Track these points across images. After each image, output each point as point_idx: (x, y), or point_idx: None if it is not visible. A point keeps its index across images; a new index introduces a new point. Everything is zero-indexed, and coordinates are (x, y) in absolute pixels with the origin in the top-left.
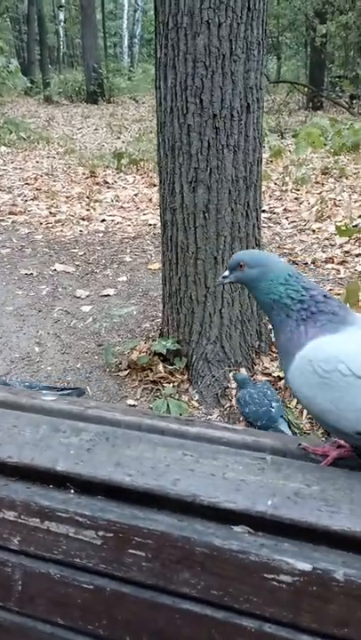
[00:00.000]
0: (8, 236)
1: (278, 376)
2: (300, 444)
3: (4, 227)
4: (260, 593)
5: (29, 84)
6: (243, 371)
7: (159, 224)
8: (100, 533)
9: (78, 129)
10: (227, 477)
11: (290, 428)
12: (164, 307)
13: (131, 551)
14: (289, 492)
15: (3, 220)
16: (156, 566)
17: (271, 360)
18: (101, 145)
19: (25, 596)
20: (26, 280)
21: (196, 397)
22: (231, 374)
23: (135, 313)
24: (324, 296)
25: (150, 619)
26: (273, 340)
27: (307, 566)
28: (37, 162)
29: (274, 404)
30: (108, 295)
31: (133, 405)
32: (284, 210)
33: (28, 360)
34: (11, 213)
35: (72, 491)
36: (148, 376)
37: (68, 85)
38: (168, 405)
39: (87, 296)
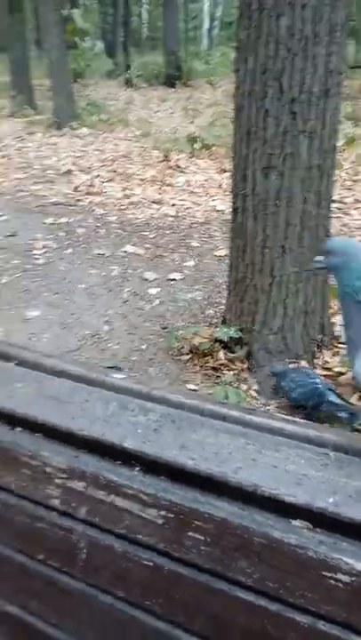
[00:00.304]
0: (85, 216)
1: (339, 372)
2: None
3: (82, 207)
4: (316, 589)
5: (112, 67)
6: (303, 363)
7: (228, 210)
8: (162, 513)
9: (155, 112)
10: (288, 470)
11: (340, 398)
12: (228, 294)
13: (190, 534)
14: (351, 491)
15: (80, 200)
16: (215, 552)
17: (333, 355)
18: (176, 129)
19: (89, 565)
20: (99, 260)
21: (255, 387)
22: (268, 369)
23: (200, 298)
24: None
25: (206, 602)
26: (341, 331)
27: None
28: (115, 144)
29: (318, 381)
30: (175, 279)
31: (194, 390)
32: (355, 200)
33: (97, 338)
34: (88, 194)
35: (137, 469)
36: (208, 362)
37: (148, 68)
38: (227, 393)
39: (155, 279)
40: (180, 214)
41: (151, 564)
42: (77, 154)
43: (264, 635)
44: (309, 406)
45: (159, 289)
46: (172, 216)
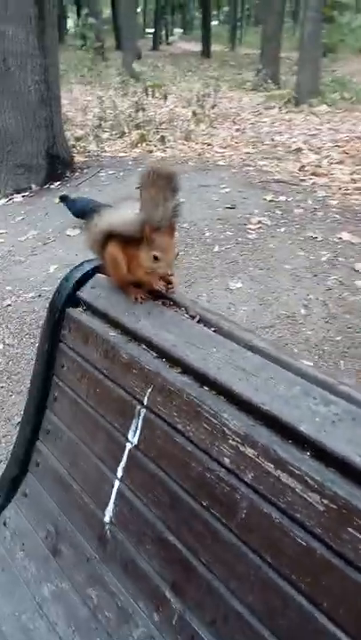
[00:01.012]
0: (305, 197)
1: None
2: None
3: (304, 187)
4: None
5: None
6: None
7: None
8: (325, 501)
9: None
10: None
11: None
12: None
13: (350, 529)
14: None
15: (304, 180)
16: None
17: None
18: None
19: (246, 524)
20: (310, 242)
21: None
22: None
23: None
24: None
25: (352, 599)
26: None
27: None
28: (353, 124)
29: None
30: None
31: None
32: None
33: (292, 319)
34: (313, 174)
35: (308, 453)
36: None
37: None
38: None
39: None
40: None
41: (304, 543)
42: (311, 132)
43: None
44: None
45: None
46: None
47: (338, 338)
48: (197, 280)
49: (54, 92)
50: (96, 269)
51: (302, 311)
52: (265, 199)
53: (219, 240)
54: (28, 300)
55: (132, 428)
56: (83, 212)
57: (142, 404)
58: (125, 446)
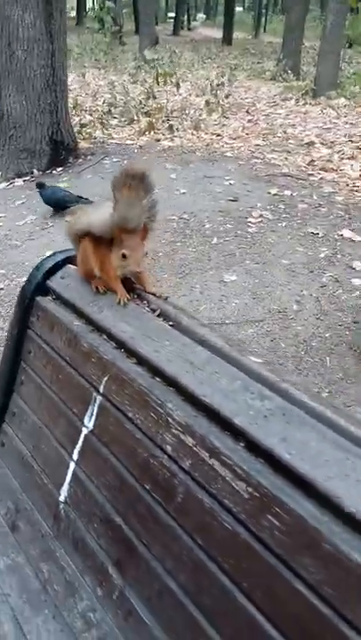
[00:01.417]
0: (310, 192)
1: None
2: None
3: (311, 182)
4: None
5: None
6: None
7: None
8: (250, 490)
9: None
10: None
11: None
12: None
13: (269, 516)
14: None
15: (312, 174)
16: (286, 541)
17: None
18: None
19: (182, 508)
20: (310, 238)
21: None
22: None
23: None
24: None
25: (269, 581)
26: None
27: None
28: None
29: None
30: None
31: None
32: None
33: (283, 314)
34: (322, 169)
35: (242, 444)
36: None
37: None
38: None
39: None
40: None
41: (230, 528)
42: (326, 125)
43: (309, 631)
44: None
45: None
46: None
47: (327, 334)
48: (192, 271)
49: (60, 77)
50: (67, 260)
51: (294, 307)
52: (269, 193)
53: (218, 232)
54: (21, 284)
55: (89, 413)
56: (52, 201)
57: (98, 391)
58: (82, 431)
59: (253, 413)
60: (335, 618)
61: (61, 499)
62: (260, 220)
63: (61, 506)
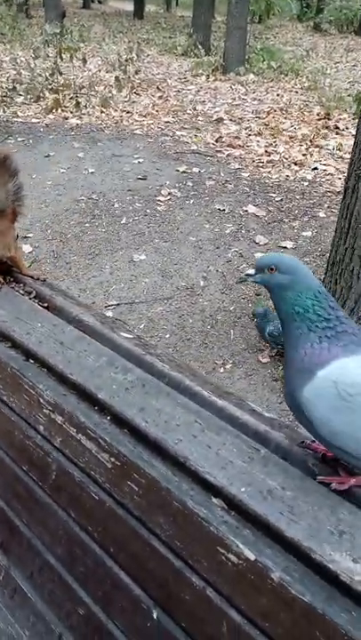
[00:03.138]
0: (218, 169)
1: None
2: (302, 442)
3: (219, 159)
4: (210, 560)
5: (304, 9)
6: None
7: None
8: (112, 459)
9: (335, 63)
10: (219, 454)
11: None
12: (325, 273)
13: (129, 482)
14: (263, 488)
15: (220, 151)
16: (143, 503)
17: None
18: (353, 84)
19: (55, 485)
20: (216, 215)
21: None
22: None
23: None
24: (346, 317)
25: (130, 542)
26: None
27: (251, 556)
28: (278, 95)
29: None
30: (286, 247)
31: (261, 362)
32: None
33: (190, 291)
34: (229, 146)
35: (108, 418)
36: None
37: (342, 13)
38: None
39: (265, 244)
40: (317, 180)
41: (97, 497)
42: (235, 102)
43: (165, 584)
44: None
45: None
46: (308, 181)
47: (231, 308)
48: (102, 252)
49: None
50: None
51: (201, 283)
52: (178, 170)
53: (127, 212)
54: None
55: None
56: None
57: None
58: None
59: (116, 387)
60: (186, 569)
61: None
62: (168, 198)
63: None
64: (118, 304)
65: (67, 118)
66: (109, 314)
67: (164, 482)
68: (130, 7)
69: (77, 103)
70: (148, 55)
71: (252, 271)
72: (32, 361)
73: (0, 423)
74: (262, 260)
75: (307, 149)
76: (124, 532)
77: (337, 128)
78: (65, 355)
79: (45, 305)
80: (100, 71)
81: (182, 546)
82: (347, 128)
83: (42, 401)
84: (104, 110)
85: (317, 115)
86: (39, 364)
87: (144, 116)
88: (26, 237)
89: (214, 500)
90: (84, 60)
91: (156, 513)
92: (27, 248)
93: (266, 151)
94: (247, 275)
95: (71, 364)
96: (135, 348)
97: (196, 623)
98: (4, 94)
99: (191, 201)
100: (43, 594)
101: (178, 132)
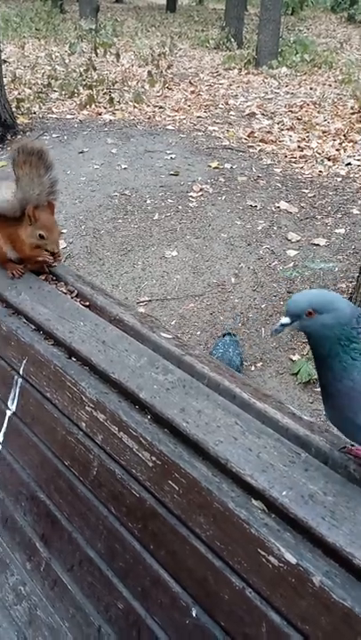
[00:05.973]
0: (250, 164)
1: None
2: (344, 447)
3: (251, 154)
4: (250, 561)
5: (338, 0)
6: None
7: None
8: (153, 458)
9: None
10: (260, 457)
11: None
12: (359, 273)
13: (169, 481)
14: (305, 492)
15: (252, 146)
16: (183, 502)
17: None
18: None
19: (96, 481)
20: (248, 212)
21: None
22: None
23: (336, 270)
24: None
25: (170, 540)
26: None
27: (292, 559)
28: (311, 88)
29: None
30: (318, 245)
31: (292, 361)
32: None
33: (222, 288)
34: (261, 141)
35: (149, 417)
36: None
37: None
38: (301, 368)
39: (297, 240)
40: (351, 176)
41: (138, 495)
42: (267, 95)
43: (205, 583)
44: None
45: (298, 252)
46: (341, 176)
47: (263, 305)
48: (134, 248)
49: None
50: None
51: (232, 280)
52: (210, 166)
53: (159, 208)
54: None
55: (12, 396)
56: None
57: (19, 373)
58: (6, 413)
59: (157, 387)
60: (226, 569)
61: None
62: (200, 194)
63: None
64: (150, 300)
65: (100, 114)
66: (141, 310)
67: (205, 482)
68: (162, 1)
69: (111, 99)
70: (181, 49)
71: (286, 320)
72: (74, 359)
73: (44, 419)
74: (296, 305)
75: (340, 144)
76: (164, 530)
77: None
78: (107, 354)
79: (87, 304)
80: (132, 66)
81: (222, 546)
82: None
83: (84, 399)
84: (137, 105)
85: (351, 108)
86: (81, 363)
87: (176, 111)
88: (60, 233)
89: (255, 502)
90: (118, 56)
91: (196, 512)
92: (61, 244)
93: (298, 146)
94: (282, 325)
95: (113, 364)
96: (175, 348)
97: (235, 622)
98: (40, 90)
99: (223, 197)
100: (82, 587)
101: (210, 128)
